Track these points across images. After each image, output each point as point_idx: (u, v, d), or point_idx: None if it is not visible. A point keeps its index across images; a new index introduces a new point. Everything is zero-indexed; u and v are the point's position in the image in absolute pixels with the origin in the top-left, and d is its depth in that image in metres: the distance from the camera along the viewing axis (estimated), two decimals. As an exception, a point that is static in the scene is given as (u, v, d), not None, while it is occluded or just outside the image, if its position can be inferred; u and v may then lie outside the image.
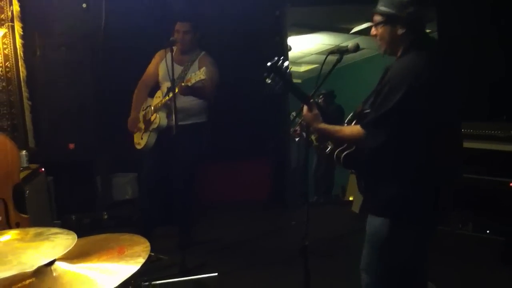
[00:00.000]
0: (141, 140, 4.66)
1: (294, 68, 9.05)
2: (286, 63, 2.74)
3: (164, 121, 4.48)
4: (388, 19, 2.46)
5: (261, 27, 6.13)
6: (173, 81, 4.09)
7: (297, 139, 6.45)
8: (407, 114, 2.34)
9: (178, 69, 4.47)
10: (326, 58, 2.76)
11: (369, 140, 2.43)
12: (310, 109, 2.70)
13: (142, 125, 4.67)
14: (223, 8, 5.89)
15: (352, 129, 2.54)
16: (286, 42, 6.49)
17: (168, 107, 4.44)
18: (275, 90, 2.74)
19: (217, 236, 5.07)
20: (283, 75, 2.74)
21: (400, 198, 2.43)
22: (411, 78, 2.33)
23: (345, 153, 2.58)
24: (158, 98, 4.53)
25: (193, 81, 4.09)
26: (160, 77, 4.65)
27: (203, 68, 4.05)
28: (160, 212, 4.72)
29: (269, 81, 2.75)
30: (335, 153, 2.65)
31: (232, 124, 5.89)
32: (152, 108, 4.54)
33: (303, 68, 10.86)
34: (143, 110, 4.72)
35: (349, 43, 2.82)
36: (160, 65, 4.63)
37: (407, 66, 2.42)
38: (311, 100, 2.71)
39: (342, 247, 4.68)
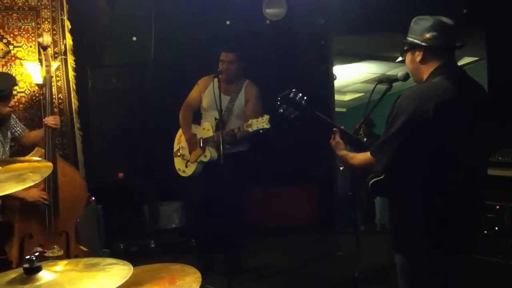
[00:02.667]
0: (186, 168, 4.72)
1: (338, 97, 9.01)
2: (299, 94, 2.88)
3: (215, 154, 4.55)
4: (410, 47, 2.52)
5: (307, 56, 6.15)
6: (220, 112, 4.14)
7: (341, 167, 6.38)
8: (411, 140, 2.33)
9: (225, 99, 4.52)
10: (375, 87, 2.79)
11: (375, 167, 2.46)
12: (333, 137, 2.78)
13: (186, 152, 4.71)
14: (269, 38, 5.95)
15: (363, 156, 2.56)
16: (332, 71, 6.49)
17: (212, 142, 4.51)
18: (290, 118, 2.92)
19: (264, 262, 5.02)
20: (297, 105, 2.86)
21: (408, 230, 2.44)
22: (415, 105, 2.34)
23: (373, 180, 2.58)
24: (207, 131, 4.58)
25: (254, 127, 4.14)
26: (205, 105, 4.71)
27: (267, 117, 4.09)
28: (209, 239, 4.73)
29: (281, 111, 2.93)
30: (367, 179, 2.67)
31: (280, 150, 5.88)
32: (201, 139, 4.59)
33: (348, 97, 10.82)
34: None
35: (397, 71, 2.83)
36: (205, 93, 4.70)
37: (414, 92, 2.45)
38: (335, 129, 2.79)
39: (387, 279, 4.59)
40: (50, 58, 3.90)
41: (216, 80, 4.16)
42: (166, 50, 5.68)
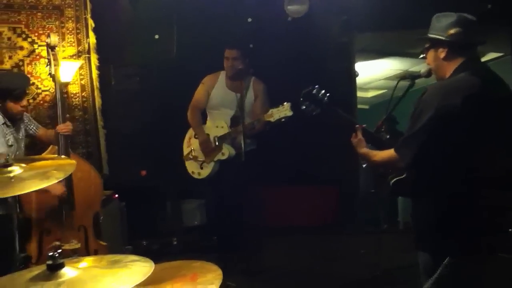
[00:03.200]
0: (201, 170, 4.70)
1: (361, 94, 8.97)
2: (322, 91, 2.88)
3: (233, 152, 4.55)
4: (433, 44, 2.50)
5: (329, 54, 6.12)
6: (242, 109, 4.15)
7: (364, 165, 6.34)
8: (436, 136, 2.31)
9: (234, 96, 4.56)
10: (397, 84, 2.78)
11: (398, 163, 2.44)
12: (355, 135, 2.77)
13: (199, 154, 4.70)
14: (291, 35, 5.94)
15: (386, 153, 2.54)
16: (354, 68, 6.45)
17: (229, 138, 4.51)
18: (311, 115, 2.96)
19: (285, 262, 5.01)
20: (319, 102, 2.87)
21: (432, 228, 2.42)
22: (441, 100, 2.32)
23: (395, 179, 2.56)
24: (221, 129, 4.57)
25: (276, 117, 4.14)
26: (214, 103, 4.72)
27: (288, 104, 4.08)
28: (229, 237, 4.74)
29: (304, 107, 2.95)
30: (388, 178, 2.65)
31: (301, 149, 5.87)
32: (216, 138, 4.57)
33: (370, 94, 10.75)
34: (195, 137, 4.79)
35: (420, 68, 2.81)
36: (213, 91, 4.72)
37: (439, 87, 2.44)
38: (356, 126, 2.79)
39: (410, 278, 4.55)
40: (58, 57, 3.94)
41: (223, 75, 4.14)
42: (188, 49, 5.69)
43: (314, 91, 2.92)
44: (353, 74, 6.45)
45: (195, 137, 4.79)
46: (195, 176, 4.76)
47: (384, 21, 5.84)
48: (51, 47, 3.92)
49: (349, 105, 6.21)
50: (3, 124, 3.74)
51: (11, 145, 3.76)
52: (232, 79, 4.60)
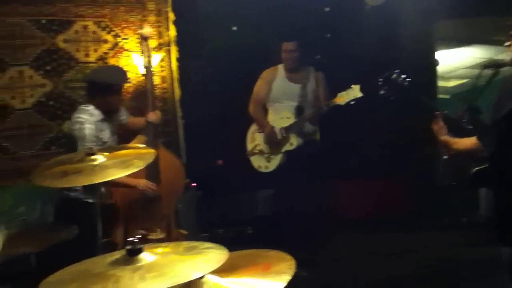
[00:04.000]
0: (268, 163, 4.73)
1: (442, 83, 8.66)
2: (402, 76, 2.82)
3: (301, 142, 4.55)
4: None
5: (408, 42, 5.97)
6: (305, 98, 4.14)
7: (445, 157, 6.14)
8: None
9: (296, 87, 4.59)
10: (481, 72, 2.68)
11: (481, 152, 2.36)
12: (436, 122, 2.71)
13: (264, 148, 4.72)
14: (369, 24, 5.84)
15: (468, 141, 2.44)
16: (434, 57, 6.26)
17: (297, 127, 4.51)
18: (389, 100, 2.94)
19: (356, 253, 4.96)
20: (399, 87, 2.81)
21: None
22: None
23: (476, 169, 2.47)
24: (287, 119, 4.58)
25: (345, 99, 4.13)
26: (276, 96, 4.73)
27: (357, 86, 4.07)
28: (300, 228, 4.74)
29: (383, 92, 2.93)
30: (469, 169, 2.56)
31: (372, 141, 5.77)
32: (282, 129, 4.58)
33: (452, 83, 10.36)
34: (258, 132, 4.81)
35: (504, 56, 2.69)
36: (274, 84, 4.74)
37: None
38: (437, 112, 2.75)
39: (492, 272, 4.38)
40: (150, 49, 4.02)
41: (281, 68, 4.10)
42: (265, 39, 5.72)
43: (394, 75, 2.88)
44: (434, 63, 6.26)
45: (258, 132, 4.83)
46: (262, 170, 4.81)
47: (467, 7, 5.62)
48: (144, 38, 4.01)
49: (429, 95, 6.04)
50: (100, 120, 3.86)
51: (105, 142, 3.87)
52: (292, 71, 4.65)
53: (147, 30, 4.01)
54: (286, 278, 1.73)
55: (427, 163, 6.07)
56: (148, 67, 3.99)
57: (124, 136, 4.35)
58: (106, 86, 3.83)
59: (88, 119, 3.78)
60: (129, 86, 5.35)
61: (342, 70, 5.35)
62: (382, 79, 2.89)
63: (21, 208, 4.37)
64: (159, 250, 1.68)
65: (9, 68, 4.65)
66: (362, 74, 4.95)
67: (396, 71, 2.91)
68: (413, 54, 5.94)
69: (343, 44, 5.82)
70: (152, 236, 3.61)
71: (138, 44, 4.26)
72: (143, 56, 4.00)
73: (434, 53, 6.29)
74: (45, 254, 3.05)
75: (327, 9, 5.92)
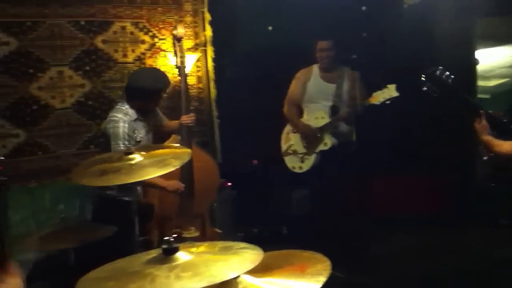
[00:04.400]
0: (302, 164, 4.71)
1: (482, 83, 8.49)
2: (446, 73, 2.76)
3: (335, 142, 4.53)
4: None
5: (447, 40, 5.87)
6: (340, 98, 4.11)
7: (485, 157, 6.02)
8: None
9: (331, 87, 4.56)
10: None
11: None
12: (479, 121, 2.67)
13: (299, 148, 4.70)
14: (407, 22, 5.76)
15: (509, 146, 2.37)
16: (474, 56, 6.14)
17: (331, 127, 4.49)
18: (432, 96, 2.83)
19: (394, 253, 4.90)
20: (442, 84, 2.75)
21: None
22: None
23: None
24: (322, 119, 4.56)
25: (381, 99, 4.08)
26: (310, 96, 4.71)
27: (393, 86, 4.02)
28: (336, 228, 4.71)
29: (425, 89, 2.89)
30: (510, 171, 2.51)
31: (410, 137, 5.69)
32: (317, 128, 4.55)
33: (492, 83, 10.14)
34: (293, 132, 4.79)
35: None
36: (309, 84, 4.72)
37: None
38: (481, 111, 2.69)
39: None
40: (184, 49, 4.04)
41: (316, 68, 4.11)
42: (301, 39, 5.69)
43: (438, 72, 2.82)
44: (474, 62, 6.13)
45: (293, 132, 4.81)
46: (296, 170, 4.79)
47: (507, 4, 5.49)
48: (177, 39, 4.03)
49: (469, 94, 5.90)
50: (135, 119, 3.92)
51: (139, 141, 3.94)
52: (326, 70, 4.63)
53: (181, 30, 4.04)
54: (321, 279, 1.71)
55: (467, 163, 5.97)
56: (181, 68, 4.02)
57: (159, 137, 4.40)
58: (145, 90, 3.87)
59: (122, 118, 3.84)
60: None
61: (378, 70, 5.29)
62: (424, 75, 2.83)
63: (61, 205, 4.47)
64: (195, 249, 1.69)
65: (49, 68, 4.75)
66: (399, 73, 4.89)
67: (440, 67, 2.84)
68: (452, 53, 5.83)
69: (379, 43, 5.76)
70: (186, 235, 3.64)
71: (172, 45, 4.28)
72: (176, 57, 4.03)
73: (474, 52, 6.16)
74: (83, 251, 3.11)
75: (363, 8, 5.87)
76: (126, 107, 3.91)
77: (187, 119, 3.94)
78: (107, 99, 5.00)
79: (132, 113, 3.89)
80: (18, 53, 4.59)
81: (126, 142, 3.75)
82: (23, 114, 4.64)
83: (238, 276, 1.64)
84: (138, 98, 3.90)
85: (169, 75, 5.29)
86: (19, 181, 4.58)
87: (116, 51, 5.12)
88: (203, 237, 3.88)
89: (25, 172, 4.64)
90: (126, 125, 3.82)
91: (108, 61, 5.08)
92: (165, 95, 5.23)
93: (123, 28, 5.18)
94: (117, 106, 3.98)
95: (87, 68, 4.96)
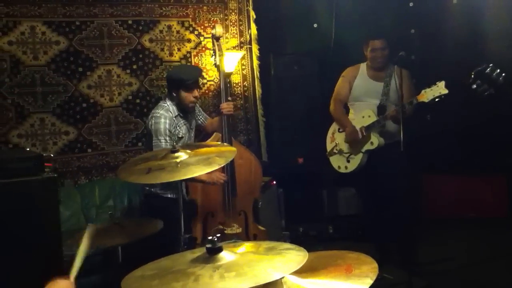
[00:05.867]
0: (348, 164, 4.64)
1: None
2: (497, 71, 2.63)
3: (382, 141, 4.45)
4: None
5: (498, 37, 5.67)
6: (401, 96, 4.02)
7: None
8: None
9: (379, 85, 4.48)
10: None
11: None
12: None
13: (344, 147, 4.65)
14: (456, 18, 5.61)
15: None
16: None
17: (378, 126, 4.42)
18: (483, 96, 2.71)
19: (444, 256, 4.77)
20: (493, 82, 2.63)
21: None
22: None
23: None
24: (368, 118, 4.48)
25: (430, 96, 3.98)
26: (357, 94, 4.64)
27: (442, 82, 3.91)
28: (386, 229, 4.63)
29: (474, 87, 2.68)
30: None
31: (465, 138, 5.53)
32: (363, 128, 4.48)
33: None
34: (339, 132, 4.74)
35: None
36: (356, 82, 4.65)
37: None
38: None
39: None
40: (222, 48, 4.07)
41: (363, 66, 4.07)
42: (347, 36, 5.63)
43: (488, 69, 2.71)
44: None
45: (339, 131, 4.75)
46: (342, 170, 4.72)
47: None
48: (216, 38, 4.07)
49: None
50: (176, 116, 3.98)
51: (181, 137, 3.99)
52: (378, 69, 4.53)
53: (219, 30, 4.06)
54: (368, 281, 1.68)
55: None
56: (219, 66, 4.05)
57: (199, 135, 4.43)
58: (180, 82, 3.96)
59: (164, 114, 3.92)
60: (211, 85, 5.44)
61: (426, 67, 5.18)
62: (474, 73, 2.72)
63: (109, 202, 4.54)
64: (240, 249, 1.68)
65: (98, 67, 4.85)
66: (447, 70, 4.77)
67: (490, 64, 2.73)
68: (501, 50, 5.63)
69: (428, 40, 5.63)
70: (229, 231, 3.64)
71: (212, 44, 4.32)
72: (215, 55, 4.07)
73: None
74: (131, 247, 3.15)
75: (411, 4, 5.75)
76: (167, 103, 3.99)
77: (226, 106, 3.94)
78: (154, 97, 5.07)
79: (173, 109, 3.97)
80: (68, 52, 4.71)
81: (168, 138, 3.83)
82: (73, 112, 4.76)
83: (283, 277, 1.63)
84: (173, 90, 3.99)
85: (215, 73, 5.35)
86: (70, 178, 4.70)
87: (162, 49, 5.19)
88: (246, 234, 3.88)
89: (75, 169, 4.76)
90: (168, 121, 3.90)
91: (155, 59, 5.15)
92: (210, 92, 5.32)
93: (169, 27, 5.24)
94: (160, 103, 4.07)
95: (135, 66, 5.04)
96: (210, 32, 5.32)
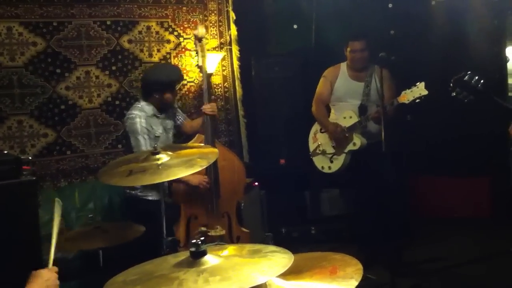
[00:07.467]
0: (331, 164, 4.66)
1: (513, 80, 8.32)
2: (475, 77, 2.69)
3: (364, 142, 4.47)
4: None
5: (477, 38, 5.73)
6: (382, 96, 4.03)
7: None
8: None
9: (359, 85, 4.50)
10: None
11: None
12: None
13: (327, 148, 4.65)
14: (435, 19, 5.66)
15: None
16: (505, 53, 5.99)
17: (360, 127, 4.43)
18: (465, 101, 2.77)
19: (430, 256, 4.79)
20: (472, 89, 2.70)
21: None
22: None
23: None
24: (350, 119, 4.50)
25: (410, 98, 4.01)
26: (339, 95, 4.66)
27: (422, 83, 3.95)
28: (371, 229, 4.63)
29: (454, 94, 2.85)
30: None
31: (451, 140, 5.58)
32: (346, 128, 4.50)
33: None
34: (321, 132, 4.75)
35: None
36: (337, 83, 4.67)
37: None
38: None
39: None
40: (205, 49, 4.05)
41: (343, 67, 4.15)
42: (327, 38, 5.63)
43: (466, 77, 2.74)
44: (504, 60, 5.99)
45: (321, 131, 4.76)
46: (325, 170, 4.74)
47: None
48: (198, 39, 4.04)
49: (500, 93, 5.76)
50: (151, 115, 3.98)
51: (157, 136, 3.98)
52: (358, 70, 4.56)
53: (201, 30, 4.03)
54: (353, 283, 1.67)
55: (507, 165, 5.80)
56: (202, 67, 4.03)
57: (185, 137, 4.40)
58: (157, 84, 4.01)
59: (138, 114, 3.98)
60: (192, 86, 5.41)
61: (406, 68, 5.21)
62: (453, 81, 2.77)
63: (90, 205, 4.48)
64: (224, 253, 1.66)
65: (76, 68, 4.79)
66: (427, 71, 4.80)
67: (468, 72, 2.77)
68: (481, 51, 5.70)
69: (407, 41, 5.67)
70: (213, 233, 3.62)
71: (194, 45, 4.32)
72: (198, 56, 4.06)
73: (504, 50, 6.01)
74: (112, 251, 3.11)
75: (390, 5, 5.78)
76: (142, 104, 4.06)
77: (209, 107, 3.92)
78: (134, 98, 5.01)
79: (148, 109, 4.01)
80: (45, 53, 4.64)
81: (146, 136, 3.89)
82: (52, 114, 4.68)
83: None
84: (152, 92, 4.03)
85: (197, 75, 5.32)
86: (49, 181, 4.64)
87: (141, 50, 5.14)
88: (230, 236, 3.86)
89: (54, 172, 4.68)
90: (143, 120, 3.95)
91: (134, 60, 5.10)
92: (190, 94, 5.29)
93: (149, 27, 5.19)
94: (134, 104, 4.13)
95: (114, 68, 4.98)
96: (190, 32, 5.31)
